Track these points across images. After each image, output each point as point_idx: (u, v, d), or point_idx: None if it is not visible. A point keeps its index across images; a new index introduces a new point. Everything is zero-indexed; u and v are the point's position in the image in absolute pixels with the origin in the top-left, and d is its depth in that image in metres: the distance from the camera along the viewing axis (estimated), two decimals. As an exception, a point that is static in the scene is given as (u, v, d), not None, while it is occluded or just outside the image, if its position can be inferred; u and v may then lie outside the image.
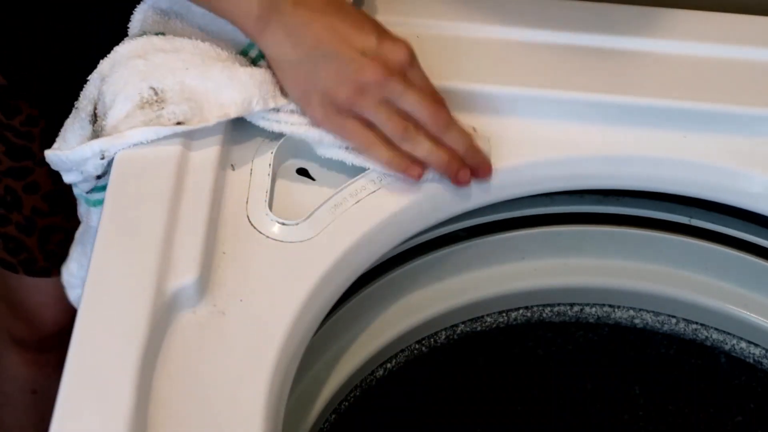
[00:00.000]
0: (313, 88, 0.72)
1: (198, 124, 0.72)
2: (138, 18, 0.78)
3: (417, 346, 0.92)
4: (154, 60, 0.73)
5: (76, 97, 0.76)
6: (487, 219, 0.89)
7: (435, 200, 0.78)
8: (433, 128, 0.74)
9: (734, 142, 0.82)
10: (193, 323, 0.67)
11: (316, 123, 0.74)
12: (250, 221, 0.73)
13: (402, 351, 0.92)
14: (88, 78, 0.76)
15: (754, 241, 0.90)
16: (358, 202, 0.75)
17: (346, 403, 0.89)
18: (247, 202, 0.74)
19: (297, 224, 0.73)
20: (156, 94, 0.72)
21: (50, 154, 0.75)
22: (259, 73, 0.74)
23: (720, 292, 0.93)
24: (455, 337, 0.94)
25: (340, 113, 0.73)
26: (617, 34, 0.87)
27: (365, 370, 0.89)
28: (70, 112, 0.87)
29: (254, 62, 0.77)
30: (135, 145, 0.72)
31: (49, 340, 1.03)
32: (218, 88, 0.73)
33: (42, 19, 0.86)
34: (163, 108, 0.72)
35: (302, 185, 0.77)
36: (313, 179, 0.78)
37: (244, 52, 0.77)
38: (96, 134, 0.74)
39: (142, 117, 0.72)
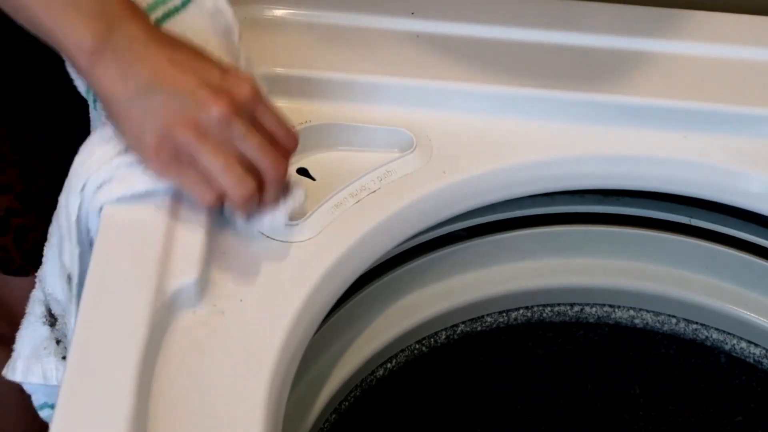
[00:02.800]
0: (149, 129, 0.65)
1: None
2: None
3: (417, 346, 0.92)
4: None
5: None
6: (487, 219, 0.89)
7: (435, 200, 0.78)
8: (269, 179, 0.68)
9: (734, 142, 0.82)
10: (193, 323, 0.67)
11: (152, 172, 0.67)
12: (250, 221, 0.73)
13: (402, 351, 0.92)
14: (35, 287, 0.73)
15: (754, 241, 0.90)
16: (358, 202, 0.75)
17: (346, 403, 0.89)
18: (247, 202, 0.74)
19: (297, 224, 0.73)
20: None
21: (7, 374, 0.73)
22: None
23: (720, 292, 0.93)
24: (455, 337, 0.94)
25: (179, 160, 0.66)
26: (617, 34, 0.87)
27: (365, 370, 0.89)
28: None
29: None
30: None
31: None
32: None
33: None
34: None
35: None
36: (313, 179, 0.78)
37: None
38: (60, 336, 0.72)
39: None
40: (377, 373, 0.91)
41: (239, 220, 0.71)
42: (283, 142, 0.69)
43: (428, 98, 0.82)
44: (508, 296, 0.93)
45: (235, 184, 0.66)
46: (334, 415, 0.88)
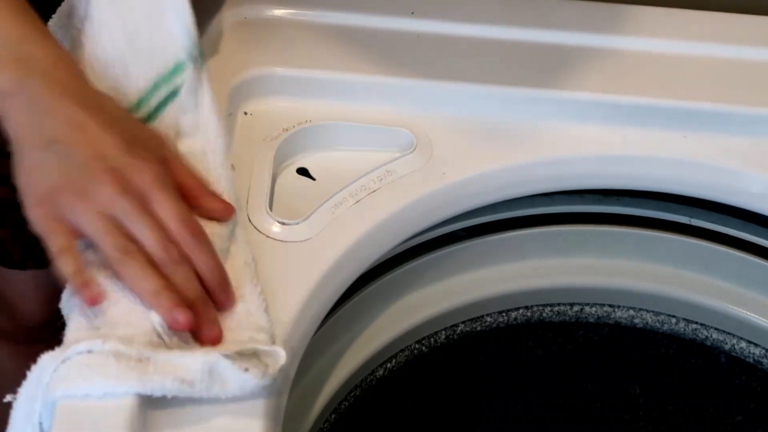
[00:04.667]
0: (39, 183, 0.63)
1: None
2: None
3: (417, 346, 0.92)
4: None
5: None
6: (487, 219, 0.89)
7: (435, 200, 0.78)
8: (159, 260, 0.63)
9: (734, 142, 0.82)
10: (193, 323, 0.67)
11: (30, 222, 0.64)
12: (250, 221, 0.73)
13: (402, 351, 0.92)
14: None
15: (754, 241, 0.90)
16: (358, 202, 0.75)
17: (346, 403, 0.89)
18: (247, 201, 0.74)
19: (297, 224, 0.73)
20: None
21: None
22: None
23: (720, 292, 0.93)
24: (455, 337, 0.94)
25: (57, 219, 0.63)
26: (617, 34, 0.87)
27: (365, 370, 0.89)
28: None
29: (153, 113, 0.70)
30: None
31: (35, 332, 1.03)
32: None
33: None
34: None
35: (302, 185, 0.77)
36: (313, 179, 0.78)
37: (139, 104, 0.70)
38: None
39: None
40: (377, 373, 0.91)
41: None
42: (174, 238, 0.63)
43: (428, 98, 0.82)
44: (508, 296, 0.93)
45: (115, 245, 0.62)
46: (334, 415, 0.88)
